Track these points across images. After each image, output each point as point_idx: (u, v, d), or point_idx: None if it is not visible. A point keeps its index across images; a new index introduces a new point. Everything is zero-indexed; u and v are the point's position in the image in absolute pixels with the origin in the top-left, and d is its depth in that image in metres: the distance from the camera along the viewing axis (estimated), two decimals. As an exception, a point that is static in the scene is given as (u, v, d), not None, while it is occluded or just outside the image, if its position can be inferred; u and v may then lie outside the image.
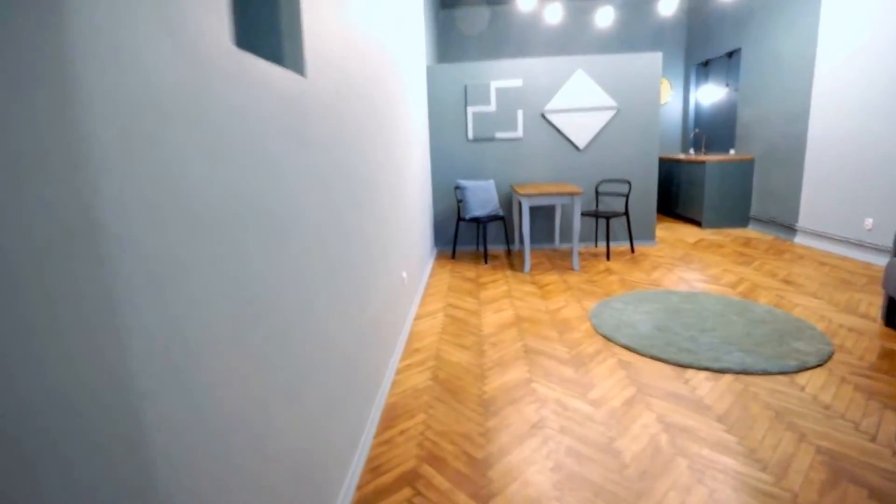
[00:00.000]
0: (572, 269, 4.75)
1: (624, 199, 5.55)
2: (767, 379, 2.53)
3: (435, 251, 5.65)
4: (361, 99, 2.24)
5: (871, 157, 4.58)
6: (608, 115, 5.36)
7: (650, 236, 5.66)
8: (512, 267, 4.96)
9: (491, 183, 5.26)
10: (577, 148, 5.48)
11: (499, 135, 5.47)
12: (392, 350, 2.82)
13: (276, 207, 1.24)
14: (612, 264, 4.90)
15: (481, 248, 5.72)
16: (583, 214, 5.17)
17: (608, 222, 4.99)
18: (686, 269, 4.63)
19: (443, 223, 5.74)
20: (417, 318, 3.65)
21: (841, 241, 4.93)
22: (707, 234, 6.15)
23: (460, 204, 5.57)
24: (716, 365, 2.65)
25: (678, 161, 7.08)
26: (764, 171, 6.13)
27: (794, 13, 5.53)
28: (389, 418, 2.34)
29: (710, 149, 7.41)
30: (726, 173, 6.34)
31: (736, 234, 6.14)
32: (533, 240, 5.72)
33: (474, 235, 5.75)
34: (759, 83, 6.16)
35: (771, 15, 5.90)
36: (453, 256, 5.45)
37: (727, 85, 6.88)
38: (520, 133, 5.46)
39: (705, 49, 7.38)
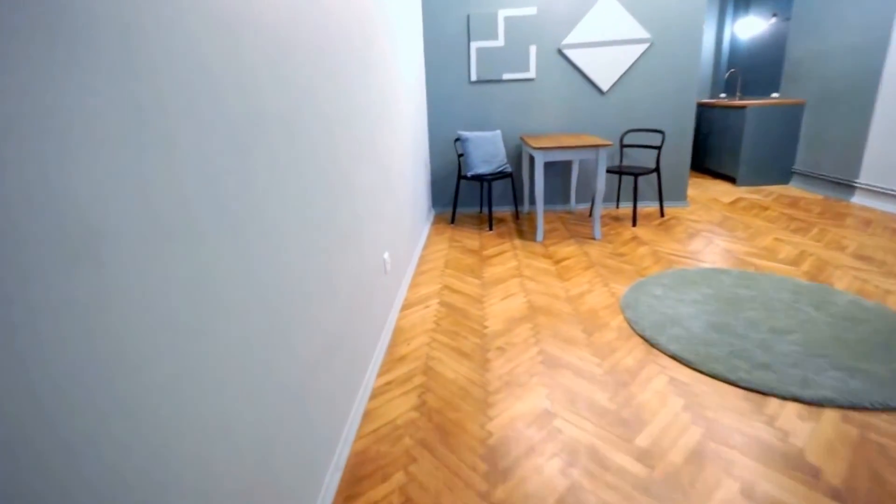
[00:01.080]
0: (593, 237, 3.94)
1: (655, 152, 4.65)
2: (892, 418, 1.77)
3: (432, 214, 4.82)
4: (320, 30, 1.38)
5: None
6: (639, 49, 4.37)
7: (681, 196, 4.79)
8: (521, 234, 4.14)
9: (497, 134, 4.36)
10: (599, 91, 4.53)
11: (507, 76, 4.51)
12: (366, 365, 2.06)
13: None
14: (640, 231, 4.07)
15: (485, 210, 4.88)
16: (608, 172, 4.30)
17: (636, 181, 4.11)
18: (730, 237, 3.80)
19: (441, 181, 4.88)
20: (406, 306, 2.88)
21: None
22: (744, 193, 5.26)
23: (461, 159, 4.69)
24: (807, 393, 1.88)
25: (711, 106, 6.08)
26: (817, 116, 5.15)
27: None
28: (352, 482, 1.61)
29: (746, 92, 6.38)
30: (770, 120, 5.36)
31: (777, 191, 5.25)
32: (545, 200, 4.87)
33: (477, 195, 4.90)
34: (820, 9, 5.07)
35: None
36: (453, 221, 4.62)
37: (774, 15, 5.77)
38: (532, 73, 4.50)
39: (748, -27, 6.21)
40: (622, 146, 4.51)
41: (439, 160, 4.78)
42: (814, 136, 5.17)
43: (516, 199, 4.67)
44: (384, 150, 2.65)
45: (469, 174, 4.27)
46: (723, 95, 6.75)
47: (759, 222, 4.16)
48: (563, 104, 4.56)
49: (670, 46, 4.38)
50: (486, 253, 3.73)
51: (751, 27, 6.22)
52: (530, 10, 4.34)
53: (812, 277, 2.97)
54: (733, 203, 4.84)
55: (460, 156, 4.50)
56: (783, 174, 5.51)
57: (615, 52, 4.39)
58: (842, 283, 2.89)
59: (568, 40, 4.39)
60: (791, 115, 5.33)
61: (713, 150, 6.05)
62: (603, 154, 3.65)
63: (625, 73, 4.45)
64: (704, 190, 5.45)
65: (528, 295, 2.95)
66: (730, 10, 6.63)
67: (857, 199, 4.63)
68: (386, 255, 2.50)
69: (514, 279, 3.20)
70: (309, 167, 1.49)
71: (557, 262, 3.46)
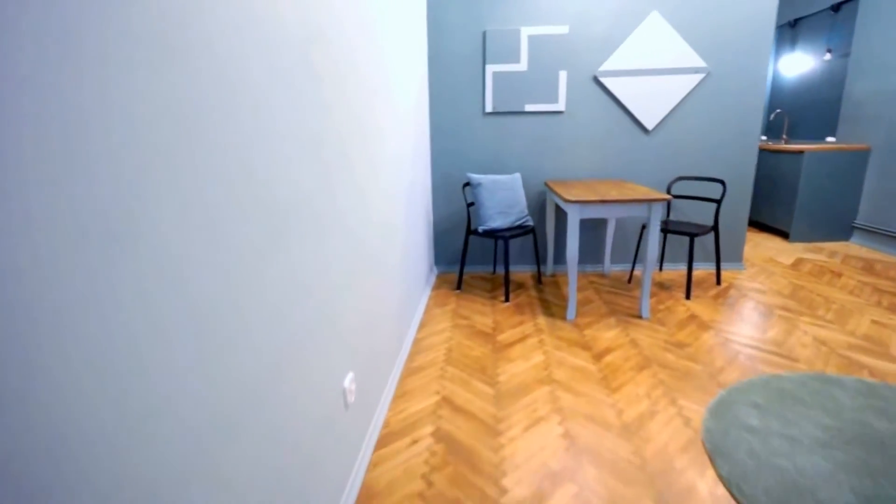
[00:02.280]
0: (640, 315, 3.03)
1: (710, 206, 3.76)
2: None
3: (434, 275, 3.91)
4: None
5: None
6: (693, 80, 3.53)
7: (736, 257, 3.88)
8: (546, 307, 3.22)
9: (516, 178, 3.50)
10: (643, 129, 3.67)
11: (530, 107, 3.67)
12: None
13: None
14: (696, 305, 3.15)
15: (499, 270, 3.99)
16: (645, 227, 3.41)
17: (691, 242, 3.21)
18: (813, 319, 2.87)
19: (446, 234, 3.98)
20: (383, 442, 1.92)
21: None
22: (802, 252, 4.35)
23: (471, 209, 3.82)
24: None
25: (762, 150, 5.24)
26: (886, 165, 4.28)
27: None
28: None
29: (793, 136, 5.55)
30: (829, 168, 4.49)
31: (840, 250, 4.35)
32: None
33: (490, 251, 3.99)
34: (885, 44, 4.26)
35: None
36: (459, 286, 3.67)
37: (829, 51, 4.97)
38: (561, 105, 3.65)
39: (795, 4, 5.43)
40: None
41: (445, 208, 3.90)
42: (882, 187, 4.30)
43: (538, 259, 3.77)
44: (358, 217, 1.77)
45: (481, 229, 3.39)
46: (763, 139, 5.91)
47: (840, 295, 3.25)
48: (598, 144, 3.70)
49: (730, 79, 3.54)
50: (501, 338, 2.80)
51: (798, 64, 5.41)
52: (561, 29, 3.51)
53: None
54: (795, 265, 3.93)
55: (470, 205, 3.61)
56: (843, 230, 4.61)
57: (663, 82, 3.55)
58: None
59: (606, 66, 3.55)
60: (853, 163, 4.46)
61: (763, 200, 5.17)
62: (657, 211, 2.77)
63: (674, 109, 3.59)
64: (755, 246, 4.54)
65: (564, 419, 2.01)
66: (773, 46, 5.84)
67: (949, 268, 3.73)
68: (348, 381, 1.58)
69: (543, 387, 2.26)
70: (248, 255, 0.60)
71: (598, 356, 2.53)
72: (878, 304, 3.10)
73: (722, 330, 2.78)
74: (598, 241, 3.87)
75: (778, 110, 5.64)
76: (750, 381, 2.25)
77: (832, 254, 4.23)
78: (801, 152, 4.50)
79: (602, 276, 3.81)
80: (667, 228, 3.30)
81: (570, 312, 2.98)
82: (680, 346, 2.61)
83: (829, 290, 3.37)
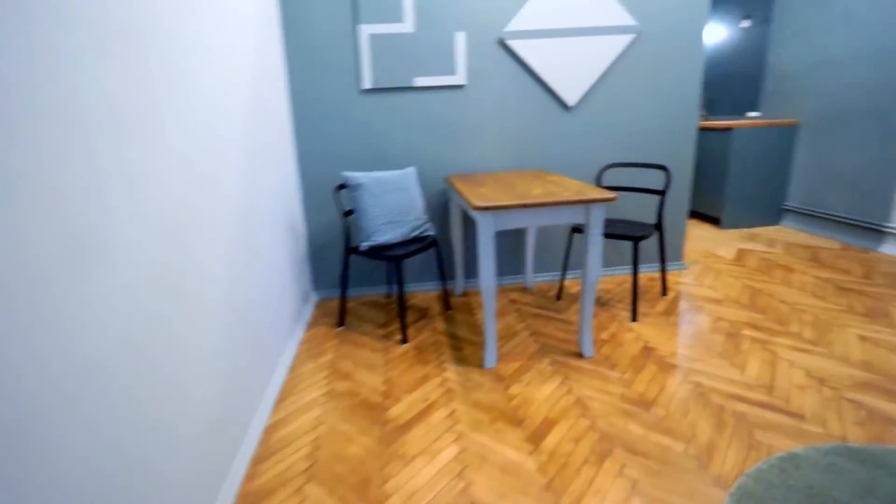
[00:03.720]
0: (580, 353, 2.19)
1: (650, 199, 2.97)
2: None
3: (311, 306, 2.83)
4: None
5: None
6: (621, 42, 2.71)
7: (677, 255, 3.18)
8: (458, 348, 2.27)
9: (410, 174, 2.52)
10: (564, 105, 2.85)
11: (421, 80, 2.69)
12: None
13: None
14: (646, 329, 2.34)
15: (397, 290, 2.99)
16: (575, 230, 2.59)
17: (635, 248, 2.43)
18: (791, 339, 2.14)
19: (326, 249, 2.90)
20: None
21: None
22: (737, 240, 3.77)
23: (350, 219, 2.83)
24: None
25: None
26: (817, 142, 3.77)
27: None
28: None
29: (713, 111, 5.02)
30: (757, 146, 3.94)
31: (774, 236, 3.82)
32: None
33: (383, 268, 3.01)
34: (811, 10, 3.72)
35: None
36: (342, 322, 2.61)
37: (747, 17, 4.45)
38: (461, 77, 2.70)
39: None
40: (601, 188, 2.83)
41: (322, 217, 2.84)
42: (814, 166, 3.81)
43: (444, 275, 2.84)
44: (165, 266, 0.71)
45: (364, 246, 2.38)
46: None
47: (804, 299, 2.60)
48: (510, 126, 2.80)
49: (664, 41, 2.76)
50: (395, 414, 1.82)
51: (714, 34, 4.88)
52: (454, -22, 2.57)
53: None
54: (739, 259, 3.31)
55: (348, 214, 2.59)
56: (774, 213, 4.11)
57: (586, 45, 2.70)
58: None
59: (514, 26, 2.65)
60: (781, 141, 3.95)
61: (692, 184, 4.58)
62: (598, 214, 1.93)
63: (600, 79, 2.78)
64: (689, 237, 3.91)
65: None
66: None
67: (889, 250, 3.27)
68: None
69: (460, 498, 1.36)
70: None
71: (535, 437, 1.61)
72: (851, 309, 2.48)
73: (689, 370, 1.99)
74: (517, 248, 2.99)
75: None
76: (758, 471, 1.46)
77: (770, 242, 3.67)
78: (728, 129, 3.91)
79: (524, 290, 2.92)
80: (605, 231, 2.49)
81: (489, 358, 2.07)
82: (643, 404, 1.78)
83: (788, 292, 2.73)
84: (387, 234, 2.38)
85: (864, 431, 1.59)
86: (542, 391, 1.88)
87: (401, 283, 2.27)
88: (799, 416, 1.66)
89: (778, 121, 3.95)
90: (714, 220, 4.25)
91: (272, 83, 2.27)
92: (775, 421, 1.65)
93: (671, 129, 2.87)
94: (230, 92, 1.66)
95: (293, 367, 2.16)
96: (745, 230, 4.03)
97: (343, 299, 2.56)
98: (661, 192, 2.49)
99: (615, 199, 1.88)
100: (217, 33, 1.57)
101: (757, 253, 3.43)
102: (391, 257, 2.26)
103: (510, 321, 2.50)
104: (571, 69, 2.70)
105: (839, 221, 3.62)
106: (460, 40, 2.62)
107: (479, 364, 2.10)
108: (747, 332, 2.28)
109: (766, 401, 1.75)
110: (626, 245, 3.05)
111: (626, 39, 2.69)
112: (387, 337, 2.41)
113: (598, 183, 2.78)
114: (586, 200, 1.82)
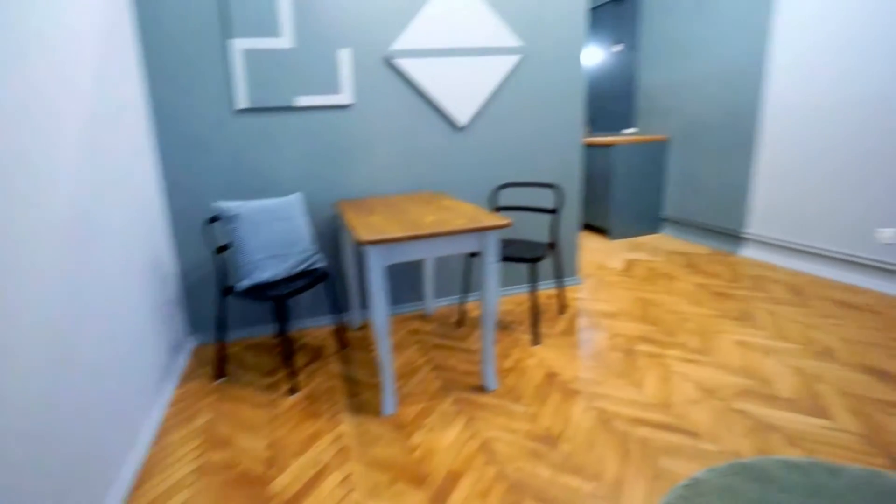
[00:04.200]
0: (483, 387, 2.05)
1: (543, 217, 2.96)
2: None
3: (187, 352, 2.44)
4: None
5: (876, 138, 2.69)
6: (508, 63, 2.67)
7: (572, 270, 3.22)
8: (354, 393, 2.01)
9: (294, 202, 2.23)
10: (454, 125, 2.74)
11: (304, 100, 2.42)
12: None
13: None
14: (548, 352, 2.28)
15: (289, 327, 2.71)
16: (472, 254, 2.48)
17: (533, 270, 2.37)
18: (680, 350, 2.20)
19: (203, 286, 2.52)
20: None
21: (835, 258, 3.03)
22: (626, 250, 3.94)
23: (227, 253, 2.45)
24: None
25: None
26: (685, 156, 4.10)
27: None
28: None
29: (596, 128, 5.29)
30: (635, 160, 4.18)
31: (656, 244, 4.05)
32: (385, 301, 2.91)
33: (269, 307, 2.64)
34: (670, 37, 4.05)
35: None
36: (222, 373, 2.23)
37: (619, 42, 4.74)
38: (347, 96, 2.47)
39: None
40: (496, 209, 2.76)
41: (195, 255, 2.45)
42: (682, 178, 4.12)
43: (339, 308, 2.59)
44: None
45: (241, 286, 2.07)
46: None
47: (687, 307, 2.72)
48: (400, 147, 2.62)
49: (549, 61, 2.77)
50: (280, 483, 1.51)
51: (592, 56, 5.16)
52: (333, -10, 2.36)
53: (883, 453, 1.50)
54: (627, 270, 3.44)
55: (223, 249, 2.20)
56: (653, 222, 4.39)
57: (474, 65, 2.62)
58: None
59: (401, 44, 2.51)
60: (656, 155, 4.24)
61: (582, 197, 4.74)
62: (493, 241, 1.82)
63: (490, 99, 2.71)
64: (583, 250, 4.01)
65: None
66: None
67: (749, 253, 3.59)
68: None
69: None
70: None
71: (440, 496, 1.45)
72: (726, 314, 2.63)
73: (592, 394, 1.94)
74: (415, 273, 2.81)
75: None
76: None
77: (654, 250, 3.89)
78: (609, 145, 4.12)
79: (424, 317, 2.74)
80: (502, 255, 2.41)
81: (388, 404, 1.86)
82: (550, 440, 1.67)
83: (673, 301, 2.84)
84: (269, 270, 2.08)
85: (751, 442, 1.62)
86: (445, 437, 1.71)
87: (285, 325, 1.99)
88: (695, 435, 1.66)
89: (651, 136, 4.24)
90: (604, 232, 4.45)
91: (121, 105, 1.88)
92: (676, 443, 1.63)
93: (560, 146, 2.90)
94: (52, 119, 1.29)
95: (159, 438, 1.78)
96: (631, 240, 4.25)
97: (221, 347, 2.20)
98: (554, 211, 2.48)
99: (510, 224, 1.78)
100: (32, 50, 1.21)
101: (643, 262, 3.60)
102: (274, 297, 1.97)
103: (411, 355, 2.31)
104: (461, 89, 2.61)
105: (706, 229, 3.94)
106: (345, 57, 2.41)
107: (378, 411, 1.88)
108: (642, 346, 2.31)
109: (665, 421, 1.74)
110: (529, 267, 3.03)
111: (512, 60, 2.66)
112: (273, 387, 2.10)
113: (494, 203, 2.72)
114: (480, 228, 1.70)
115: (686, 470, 1.49)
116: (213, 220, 2.15)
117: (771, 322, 2.49)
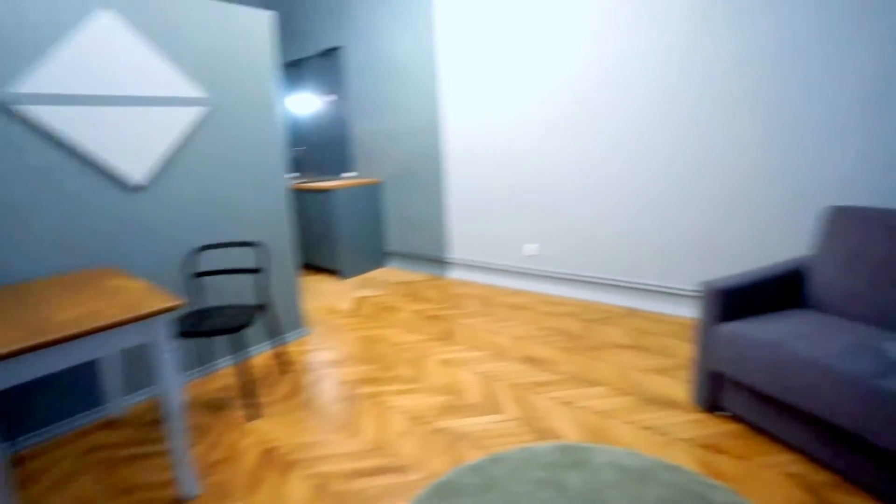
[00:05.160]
0: (180, 498, 1.69)
1: (249, 278, 2.73)
2: None
3: None
4: None
5: (521, 175, 3.52)
6: (190, 114, 2.36)
7: (296, 323, 3.05)
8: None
9: None
10: (125, 185, 2.27)
11: None
12: None
13: None
14: (266, 425, 2.07)
15: None
16: (181, 334, 2.11)
17: (240, 337, 2.13)
18: (398, 383, 2.33)
19: None
20: None
21: (506, 270, 3.77)
22: (357, 287, 4.02)
23: None
24: None
25: (296, 190, 4.66)
26: (397, 196, 4.49)
27: (402, 3, 3.96)
28: None
29: (321, 172, 5.29)
30: (356, 202, 4.36)
31: (384, 278, 4.29)
32: (51, 418, 2.07)
33: None
34: (373, 91, 4.41)
35: (375, 4, 4.19)
36: None
37: (332, 92, 4.88)
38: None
39: (293, 46, 5.12)
40: (197, 275, 2.42)
41: None
42: (399, 215, 4.51)
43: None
44: None
45: None
46: (295, 175, 5.47)
47: (405, 336, 2.93)
48: (53, 214, 2.01)
49: (243, 112, 2.57)
50: None
51: (309, 103, 5.18)
52: None
53: (533, 429, 1.86)
54: (357, 308, 3.50)
55: None
56: (380, 257, 4.65)
57: (147, 116, 2.22)
58: (561, 421, 1.90)
59: (28, 86, 1.95)
60: (374, 195, 4.52)
61: (311, 242, 4.62)
62: (161, 329, 1.53)
63: (176, 153, 2.35)
64: (315, 295, 3.90)
65: None
66: (284, 83, 5.38)
67: (455, 274, 4.15)
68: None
69: None
70: None
71: None
72: (435, 336, 2.92)
73: (311, 460, 1.82)
74: (88, 367, 2.22)
75: (304, 147, 5.33)
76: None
77: (381, 284, 4.10)
78: (328, 189, 4.20)
79: (111, 424, 2.15)
80: (197, 330, 2.09)
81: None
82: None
83: (394, 333, 3.01)
84: None
85: (448, 458, 1.78)
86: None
87: None
88: (404, 469, 1.73)
89: (367, 180, 4.51)
90: (336, 272, 4.49)
91: None
92: (389, 485, 1.66)
93: (264, 199, 2.74)
94: None
95: None
96: (362, 276, 4.40)
97: None
98: (256, 271, 2.32)
99: (183, 305, 1.54)
100: None
101: (370, 298, 3.75)
102: None
103: (83, 489, 1.74)
104: (131, 143, 2.19)
105: (422, 258, 4.40)
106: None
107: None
108: (364, 389, 2.34)
109: (379, 465, 1.76)
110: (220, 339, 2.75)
111: (196, 111, 2.39)
112: None
113: (193, 269, 2.38)
114: (140, 317, 1.42)
115: (394, 513, 1.54)
116: None
117: (467, 335, 2.89)
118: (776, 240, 2.57)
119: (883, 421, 1.40)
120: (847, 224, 2.02)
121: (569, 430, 1.90)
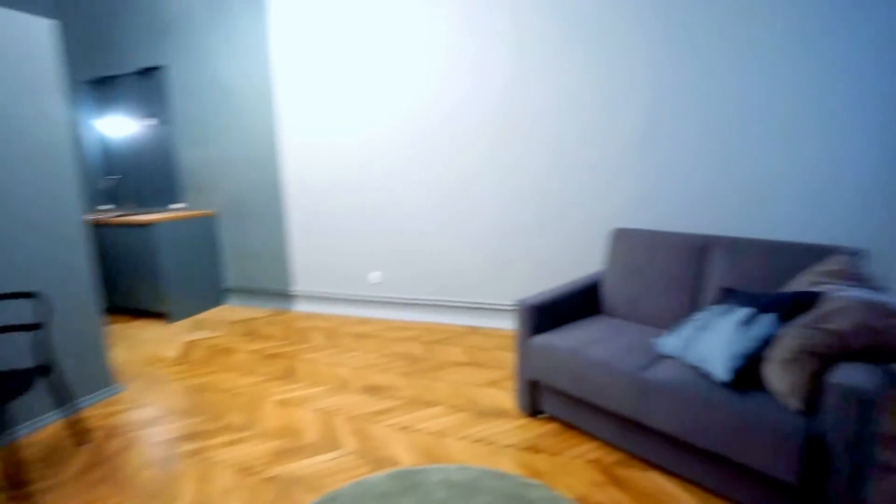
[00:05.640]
0: None
1: (28, 336, 2.19)
2: None
3: None
4: None
5: (363, 203, 3.56)
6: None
7: (104, 381, 2.55)
8: None
9: None
10: None
11: None
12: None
13: None
14: (49, 504, 1.71)
15: None
16: None
17: (4, 410, 1.68)
18: (227, 434, 2.08)
19: None
20: None
21: (352, 300, 3.73)
22: (186, 331, 3.54)
23: None
24: None
25: (102, 225, 3.96)
26: (234, 229, 4.12)
27: (233, 22, 3.75)
28: None
29: (142, 204, 4.60)
30: (185, 237, 3.89)
31: (220, 317, 3.87)
32: None
33: None
34: (203, 116, 4.02)
35: (203, 22, 3.88)
36: None
37: (153, 116, 4.30)
38: None
39: (100, 62, 4.41)
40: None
41: None
42: (236, 248, 4.14)
43: None
44: None
45: None
46: (110, 207, 4.67)
47: (241, 380, 2.66)
48: None
49: (12, 134, 2.13)
50: None
51: (124, 126, 4.50)
52: None
53: (369, 460, 1.82)
54: (185, 355, 3.07)
55: None
56: (216, 295, 4.20)
57: None
58: (398, 447, 1.91)
59: None
60: (206, 229, 4.09)
61: (126, 283, 3.94)
62: None
63: None
64: (131, 346, 3.31)
65: None
66: (84, 102, 4.61)
67: (300, 307, 3.95)
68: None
69: None
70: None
71: None
72: (274, 376, 2.70)
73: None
74: None
75: (120, 175, 4.59)
76: None
77: (216, 325, 3.67)
78: (149, 224, 3.67)
79: None
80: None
81: None
82: None
83: (228, 378, 2.71)
84: None
85: (280, 511, 1.65)
86: None
87: None
88: (223, 536, 1.56)
89: (198, 211, 4.07)
90: (163, 316, 3.92)
91: None
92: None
93: (48, 237, 2.27)
94: None
95: None
96: (194, 318, 3.91)
97: None
98: (35, 327, 1.90)
99: None
100: None
101: (202, 342, 3.33)
102: None
103: None
104: None
105: (264, 292, 4.10)
106: None
107: None
108: (186, 446, 2.04)
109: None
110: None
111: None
112: None
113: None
114: None
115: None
116: None
117: (309, 371, 2.74)
118: (586, 256, 3.00)
119: (648, 405, 1.69)
120: (627, 242, 2.44)
121: (405, 455, 1.91)
